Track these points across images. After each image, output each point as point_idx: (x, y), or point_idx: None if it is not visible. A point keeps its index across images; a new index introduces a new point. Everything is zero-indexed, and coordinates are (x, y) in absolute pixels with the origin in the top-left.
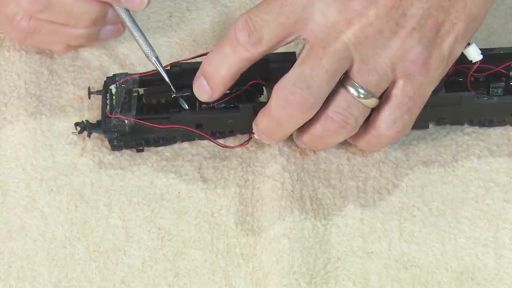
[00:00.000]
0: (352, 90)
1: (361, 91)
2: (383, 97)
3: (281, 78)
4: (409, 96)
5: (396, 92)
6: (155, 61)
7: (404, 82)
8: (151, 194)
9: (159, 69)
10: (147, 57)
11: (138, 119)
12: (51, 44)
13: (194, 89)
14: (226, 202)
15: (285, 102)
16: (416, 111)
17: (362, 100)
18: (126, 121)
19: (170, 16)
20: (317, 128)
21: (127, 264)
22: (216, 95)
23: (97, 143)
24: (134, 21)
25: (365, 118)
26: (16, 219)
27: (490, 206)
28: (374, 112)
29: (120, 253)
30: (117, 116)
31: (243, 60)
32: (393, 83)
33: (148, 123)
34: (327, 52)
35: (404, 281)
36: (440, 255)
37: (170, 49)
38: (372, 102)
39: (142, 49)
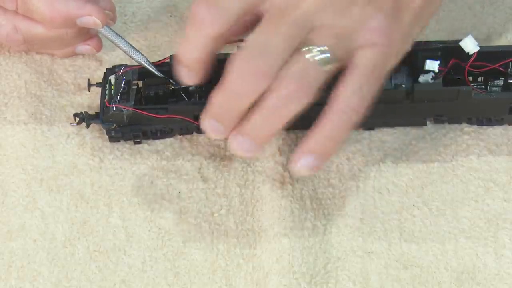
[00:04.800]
0: (308, 55)
1: (318, 56)
2: (343, 69)
3: (238, 48)
4: (368, 66)
5: (356, 61)
6: (147, 63)
7: (364, 51)
8: (151, 194)
9: (153, 70)
10: (138, 62)
11: (136, 108)
12: (50, 50)
13: (179, 77)
14: (226, 202)
15: (241, 70)
16: (376, 83)
17: (318, 66)
18: (124, 110)
19: (171, 16)
20: (272, 97)
21: (127, 264)
22: (198, 77)
23: (97, 143)
24: (115, 33)
25: (320, 85)
26: (16, 219)
27: (490, 206)
28: (333, 87)
29: (120, 253)
30: (116, 105)
31: (207, 37)
32: (352, 53)
33: (146, 113)
34: (284, 20)
35: (404, 281)
36: (440, 255)
37: (170, 49)
38: (328, 68)
39: (131, 57)
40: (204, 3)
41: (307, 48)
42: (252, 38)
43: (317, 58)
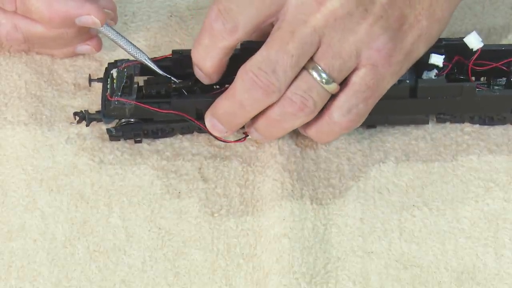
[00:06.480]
0: (314, 73)
1: (323, 75)
2: (342, 84)
3: (247, 61)
4: (368, 85)
5: (356, 79)
6: (148, 62)
7: (366, 71)
8: (151, 194)
9: (154, 67)
10: (139, 60)
11: (139, 102)
12: (51, 50)
13: (196, 76)
14: (226, 202)
15: (250, 84)
16: (372, 102)
17: (323, 85)
18: (126, 104)
19: (171, 16)
20: (275, 111)
21: (127, 264)
22: (215, 79)
23: (97, 143)
24: (115, 32)
25: (324, 103)
26: (16, 219)
27: (490, 206)
28: (330, 99)
29: (120, 253)
30: (117, 99)
31: (223, 49)
32: (354, 71)
33: (149, 106)
34: (294, 37)
35: (404, 281)
36: (440, 255)
37: (171, 49)
38: (333, 87)
39: (131, 55)
40: (220, 16)
41: (312, 67)
42: (263, 54)
43: (322, 78)
